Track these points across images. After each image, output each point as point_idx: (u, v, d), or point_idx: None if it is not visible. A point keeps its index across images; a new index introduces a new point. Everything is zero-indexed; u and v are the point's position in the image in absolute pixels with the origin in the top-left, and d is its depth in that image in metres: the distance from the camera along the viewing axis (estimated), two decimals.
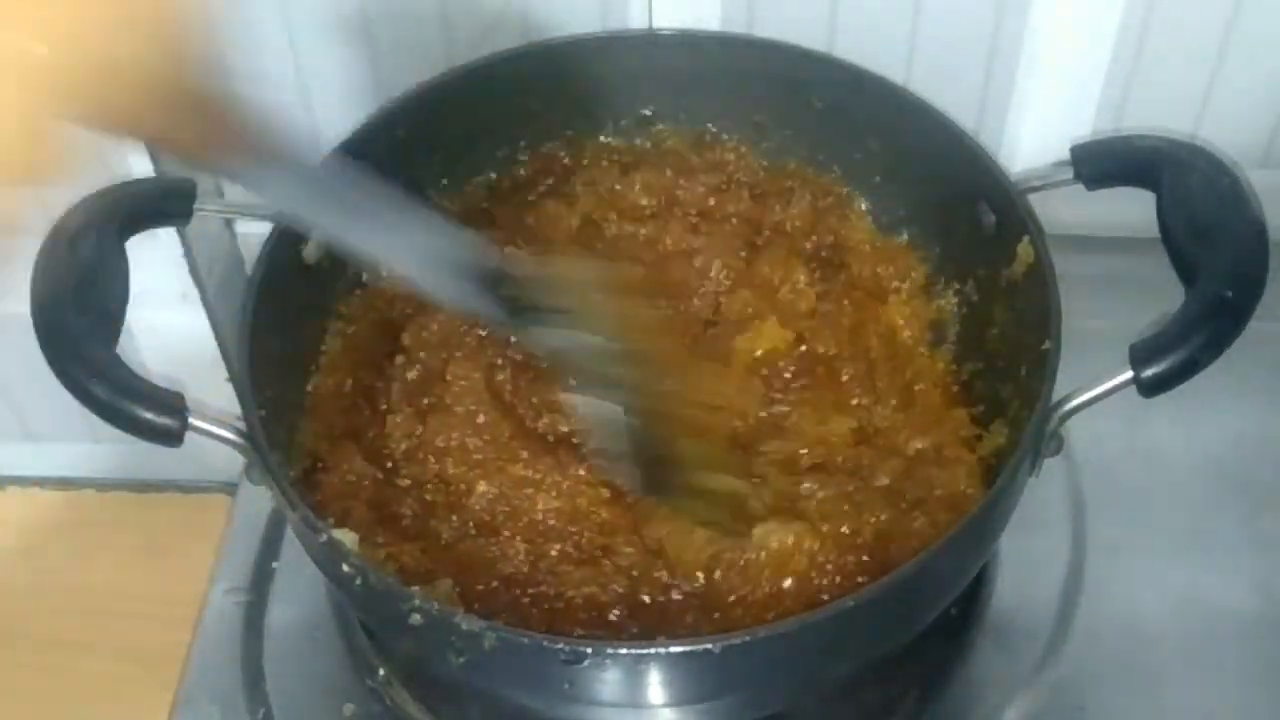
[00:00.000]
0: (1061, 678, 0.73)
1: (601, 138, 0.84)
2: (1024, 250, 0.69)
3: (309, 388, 0.74)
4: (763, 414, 0.73)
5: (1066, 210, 0.71)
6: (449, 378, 0.73)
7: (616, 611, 0.66)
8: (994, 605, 0.76)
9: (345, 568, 0.60)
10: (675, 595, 0.66)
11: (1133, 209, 0.66)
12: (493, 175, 0.83)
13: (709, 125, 0.84)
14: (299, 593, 0.78)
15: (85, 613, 0.88)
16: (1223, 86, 0.83)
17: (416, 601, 0.58)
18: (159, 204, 0.71)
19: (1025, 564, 0.77)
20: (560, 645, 0.57)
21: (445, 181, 0.82)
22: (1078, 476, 0.80)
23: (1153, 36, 0.81)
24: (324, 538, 0.61)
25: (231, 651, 0.77)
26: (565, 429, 0.72)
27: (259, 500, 0.65)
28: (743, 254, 0.79)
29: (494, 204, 0.82)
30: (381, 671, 0.75)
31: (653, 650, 0.58)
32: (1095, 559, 0.77)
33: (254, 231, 0.82)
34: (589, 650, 0.57)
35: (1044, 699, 0.72)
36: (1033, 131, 0.86)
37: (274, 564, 0.80)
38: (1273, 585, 0.76)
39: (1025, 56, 0.83)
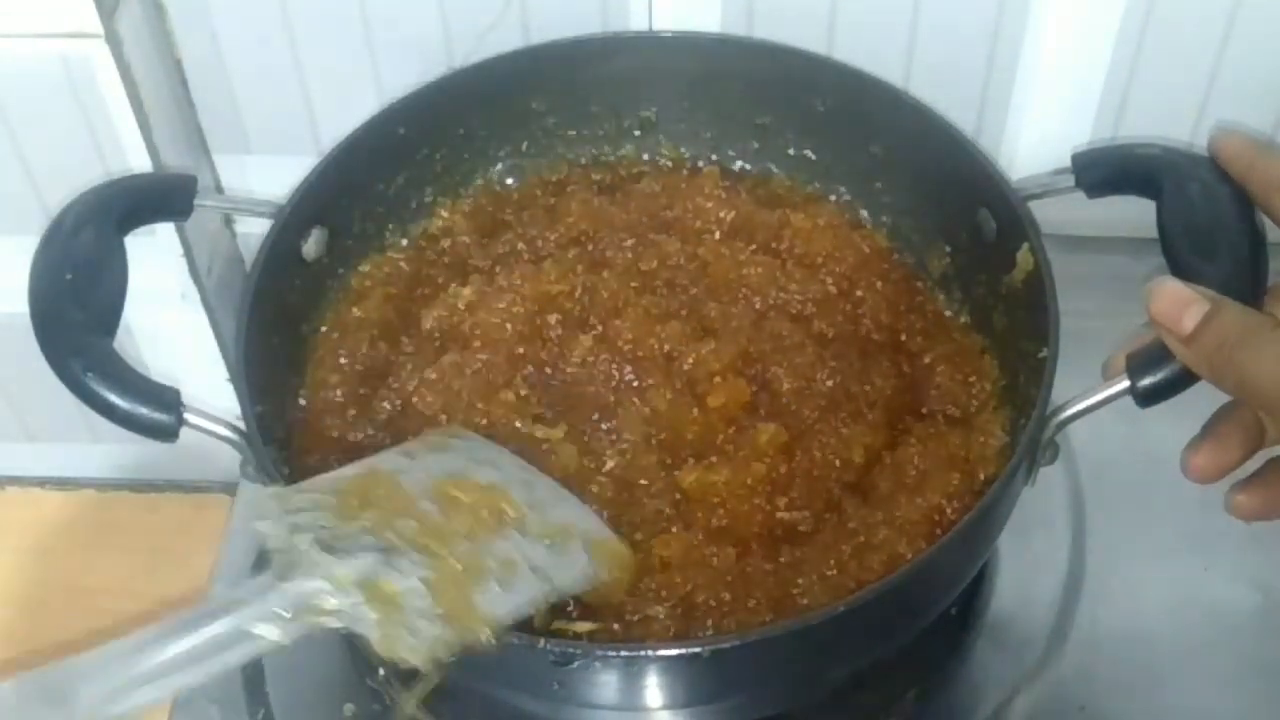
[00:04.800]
0: (1061, 678, 0.73)
1: (604, 139, 0.84)
2: (1024, 258, 0.68)
3: (306, 385, 0.74)
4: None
5: (1066, 211, 0.71)
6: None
7: None
8: (994, 605, 0.76)
9: None
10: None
11: (1132, 210, 0.66)
12: (495, 175, 0.83)
13: (707, 132, 0.84)
14: None
15: (85, 613, 0.87)
16: (1221, 88, 0.83)
17: None
18: (158, 198, 0.71)
19: (1025, 564, 0.77)
20: (549, 646, 0.56)
21: (446, 182, 0.82)
22: (1078, 477, 0.80)
23: (1152, 37, 0.81)
24: None
25: None
26: None
27: None
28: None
29: (497, 204, 0.82)
30: (381, 671, 0.74)
31: (641, 653, 0.58)
32: (1095, 559, 0.77)
33: (253, 230, 0.82)
34: (577, 651, 0.57)
35: (1044, 699, 0.72)
36: (1032, 132, 0.86)
37: None
38: (1272, 585, 0.76)
39: (1025, 58, 0.83)
